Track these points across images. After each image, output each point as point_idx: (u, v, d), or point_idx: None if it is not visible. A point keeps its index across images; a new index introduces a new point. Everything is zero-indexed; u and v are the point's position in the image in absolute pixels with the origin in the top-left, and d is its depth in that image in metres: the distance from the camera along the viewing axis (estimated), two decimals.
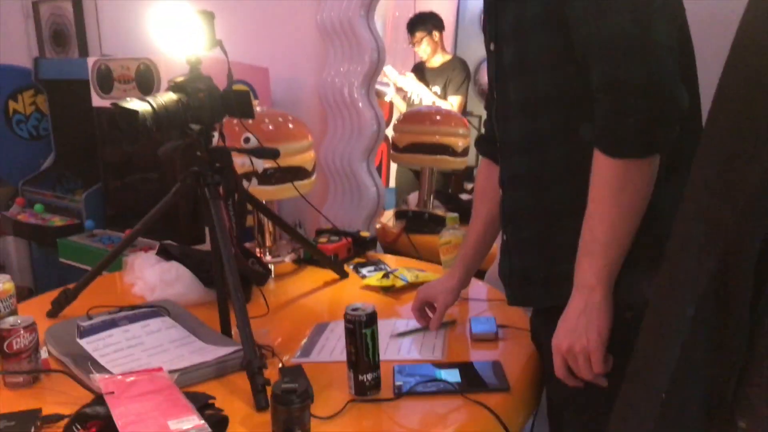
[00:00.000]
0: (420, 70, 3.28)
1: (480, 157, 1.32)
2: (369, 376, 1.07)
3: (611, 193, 0.89)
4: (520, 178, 1.07)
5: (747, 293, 0.61)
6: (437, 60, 3.25)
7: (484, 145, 1.29)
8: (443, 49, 3.29)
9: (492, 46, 1.08)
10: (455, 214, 1.67)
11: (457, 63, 3.24)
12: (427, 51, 3.23)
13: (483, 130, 1.29)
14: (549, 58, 0.97)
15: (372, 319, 1.06)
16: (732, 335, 0.62)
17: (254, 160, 1.55)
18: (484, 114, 1.27)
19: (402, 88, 3.24)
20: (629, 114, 0.86)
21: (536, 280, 1.07)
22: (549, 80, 0.98)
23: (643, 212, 0.90)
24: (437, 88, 3.21)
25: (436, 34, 3.20)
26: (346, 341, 1.07)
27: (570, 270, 0.96)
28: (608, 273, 0.92)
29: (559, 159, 1.00)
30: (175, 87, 1.28)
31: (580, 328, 0.93)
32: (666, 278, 0.65)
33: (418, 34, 3.19)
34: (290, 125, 1.78)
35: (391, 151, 2.58)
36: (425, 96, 3.17)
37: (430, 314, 1.34)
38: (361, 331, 1.05)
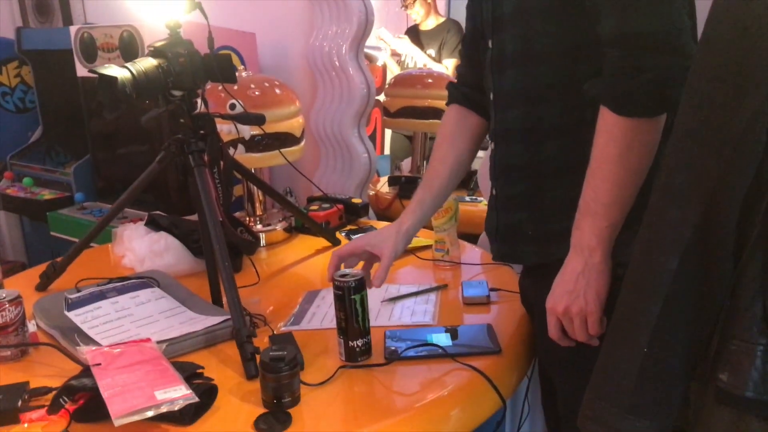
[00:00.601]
0: (414, 34, 3.22)
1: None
2: (359, 342, 1.06)
3: (618, 152, 0.86)
4: (514, 132, 1.03)
5: (730, 245, 0.59)
6: (431, 22, 3.19)
7: (455, 90, 1.21)
8: (436, 11, 3.22)
9: None
10: None
11: (452, 25, 3.17)
12: (420, 13, 3.16)
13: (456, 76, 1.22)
14: (551, 7, 0.92)
15: (361, 284, 1.05)
16: (715, 288, 0.60)
17: (240, 126, 1.52)
18: None
19: (396, 51, 3.18)
20: (643, 70, 0.82)
21: (525, 237, 1.05)
22: (549, 31, 0.94)
23: (647, 171, 0.87)
24: (432, 51, 3.15)
25: None
26: (335, 307, 1.06)
27: (561, 228, 0.94)
28: (609, 234, 0.89)
29: (556, 113, 0.97)
30: (154, 52, 1.24)
31: (579, 290, 0.91)
32: (649, 230, 0.63)
33: None
34: (277, 90, 1.74)
35: (384, 117, 2.54)
36: (420, 59, 3.11)
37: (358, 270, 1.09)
38: (350, 297, 1.04)
